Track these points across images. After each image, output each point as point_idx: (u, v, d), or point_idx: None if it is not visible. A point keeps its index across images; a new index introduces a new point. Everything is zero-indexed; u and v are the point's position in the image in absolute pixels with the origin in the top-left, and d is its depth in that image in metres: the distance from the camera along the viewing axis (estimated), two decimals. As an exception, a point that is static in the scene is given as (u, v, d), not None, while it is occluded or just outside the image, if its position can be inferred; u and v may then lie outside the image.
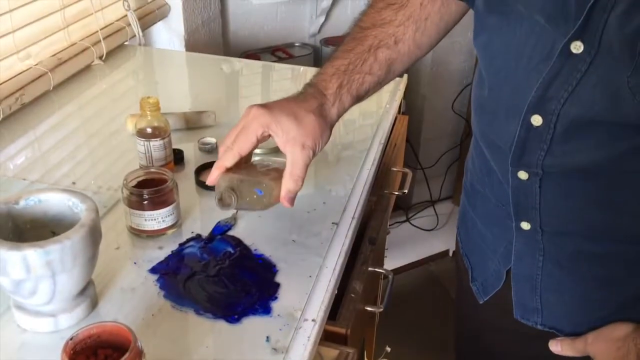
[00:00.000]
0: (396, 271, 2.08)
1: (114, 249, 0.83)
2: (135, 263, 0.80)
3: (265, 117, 0.73)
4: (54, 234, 0.73)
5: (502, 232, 0.78)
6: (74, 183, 0.96)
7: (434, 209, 2.40)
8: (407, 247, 2.24)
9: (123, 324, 0.61)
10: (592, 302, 0.74)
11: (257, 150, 1.05)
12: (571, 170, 0.67)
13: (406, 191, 1.18)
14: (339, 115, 0.79)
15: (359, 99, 0.81)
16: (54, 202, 0.72)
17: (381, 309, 0.91)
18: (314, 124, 0.75)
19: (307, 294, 0.76)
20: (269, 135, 0.75)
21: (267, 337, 0.70)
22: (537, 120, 0.65)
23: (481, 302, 0.85)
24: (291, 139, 0.74)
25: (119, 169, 1.00)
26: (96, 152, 1.06)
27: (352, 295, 0.84)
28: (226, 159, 0.75)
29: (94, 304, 0.73)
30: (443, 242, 2.31)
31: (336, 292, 0.78)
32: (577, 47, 0.60)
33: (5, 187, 0.96)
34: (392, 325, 1.69)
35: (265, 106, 0.75)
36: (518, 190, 0.71)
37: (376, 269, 0.93)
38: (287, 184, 0.74)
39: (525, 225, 0.73)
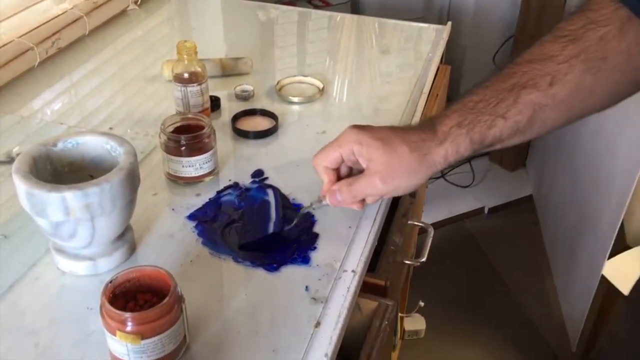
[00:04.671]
0: (430, 227, 2.06)
1: (152, 195, 0.82)
2: (173, 210, 0.79)
3: (353, 135, 0.68)
4: (92, 177, 0.72)
5: None
6: (111, 128, 0.95)
7: (470, 165, 2.35)
8: (441, 204, 2.21)
9: (162, 269, 0.60)
10: None
11: (294, 99, 1.03)
12: None
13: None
14: (447, 159, 0.66)
15: (483, 145, 0.66)
16: (92, 145, 0.71)
17: (419, 263, 0.89)
18: (405, 158, 0.66)
19: (346, 245, 0.74)
20: (355, 158, 0.70)
21: (307, 287, 0.68)
22: None
23: None
24: (372, 165, 0.67)
25: (156, 115, 0.99)
26: (132, 99, 1.04)
27: (392, 247, 0.82)
28: (326, 179, 0.73)
29: (132, 249, 0.73)
30: (478, 199, 2.27)
31: (376, 244, 0.76)
32: None
33: (44, 131, 0.95)
34: (425, 280, 1.67)
35: (360, 127, 0.69)
36: None
37: (415, 222, 0.91)
38: (334, 197, 0.72)
39: None
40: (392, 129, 0.69)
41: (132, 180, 0.67)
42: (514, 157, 2.40)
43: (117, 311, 0.55)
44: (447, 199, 2.25)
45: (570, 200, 1.86)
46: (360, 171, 0.71)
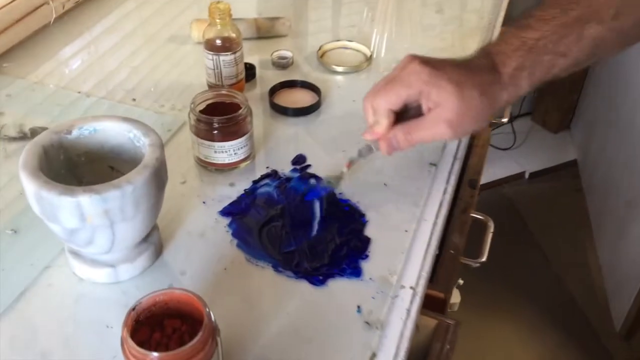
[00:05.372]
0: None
1: (180, 183, 0.72)
2: (204, 202, 0.70)
3: (423, 73, 0.60)
4: (112, 169, 0.63)
5: None
6: (134, 100, 0.85)
7: (512, 126, 2.21)
8: (479, 167, 2.09)
9: (193, 293, 0.50)
10: None
11: (339, 69, 0.91)
12: None
13: (505, 120, 1.02)
14: (508, 102, 0.63)
15: (540, 84, 0.63)
16: (112, 132, 0.61)
17: (478, 264, 0.79)
18: (476, 104, 0.60)
19: (403, 253, 0.64)
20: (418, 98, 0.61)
21: (359, 307, 0.59)
22: None
23: None
24: (441, 110, 0.60)
25: (184, 85, 0.88)
26: (157, 64, 0.93)
27: (452, 251, 0.72)
28: (378, 123, 0.64)
29: (157, 252, 0.63)
30: (519, 163, 2.14)
31: (437, 252, 0.66)
32: None
33: (58, 99, 0.85)
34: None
35: (428, 63, 0.61)
36: None
37: (477, 215, 0.81)
38: (390, 145, 0.64)
39: None
40: (458, 66, 0.62)
41: (159, 179, 0.57)
42: (558, 118, 2.25)
43: (141, 350, 0.46)
44: (485, 162, 2.13)
45: (621, 167, 1.72)
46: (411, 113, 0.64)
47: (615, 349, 1.59)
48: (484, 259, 0.80)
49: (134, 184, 0.54)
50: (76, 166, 0.61)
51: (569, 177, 2.11)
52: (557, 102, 2.21)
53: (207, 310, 0.50)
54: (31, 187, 0.53)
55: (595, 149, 2.00)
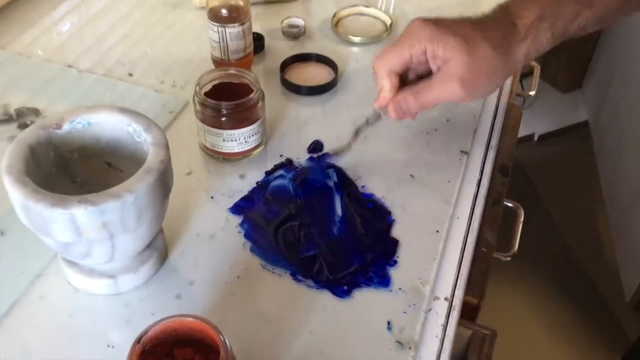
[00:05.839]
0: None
1: (185, 174, 0.65)
2: (212, 198, 0.63)
3: (426, 30, 0.56)
4: (109, 165, 0.56)
5: None
6: (130, 75, 0.77)
7: (521, 84, 2.12)
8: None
9: (208, 322, 0.44)
10: None
11: (356, 39, 0.83)
12: None
13: (533, 93, 0.95)
14: (528, 58, 0.57)
15: (563, 38, 0.58)
16: (109, 125, 0.53)
17: (509, 258, 0.73)
18: (488, 58, 0.55)
19: (434, 259, 0.58)
20: (425, 59, 0.57)
21: (389, 323, 0.53)
22: None
23: None
24: (450, 66, 0.55)
25: (186, 58, 0.80)
26: (156, 34, 0.84)
27: (484, 249, 0.65)
28: (383, 88, 0.60)
29: (162, 259, 0.57)
30: (528, 124, 2.06)
31: (472, 254, 0.60)
32: None
33: (45, 73, 0.77)
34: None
35: (431, 20, 0.57)
36: None
37: (507, 204, 0.74)
38: (399, 108, 0.60)
39: None
40: (467, 22, 0.57)
41: (164, 186, 0.50)
42: (569, 76, 2.16)
43: (150, 393, 0.41)
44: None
45: (636, 129, 1.65)
46: (421, 76, 0.60)
47: (625, 319, 1.56)
48: (515, 249, 0.73)
49: (135, 192, 0.47)
50: (68, 163, 0.54)
51: (580, 139, 2.04)
52: (568, 57, 2.11)
53: (222, 339, 0.44)
54: (17, 197, 0.46)
55: (608, 109, 1.92)
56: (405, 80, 0.61)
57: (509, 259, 0.72)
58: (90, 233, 0.47)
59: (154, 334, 0.44)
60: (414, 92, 0.59)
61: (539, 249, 1.73)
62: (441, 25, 0.56)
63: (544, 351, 1.52)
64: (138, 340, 0.43)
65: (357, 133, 0.64)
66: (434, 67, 0.58)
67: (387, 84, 0.59)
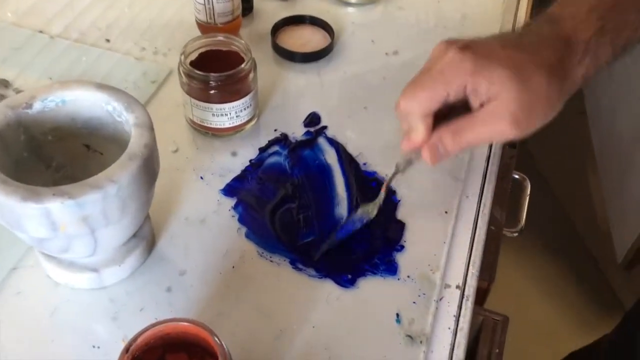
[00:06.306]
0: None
1: (172, 152, 0.60)
2: (201, 178, 0.58)
3: (465, 63, 0.45)
4: (87, 147, 0.50)
5: None
6: (108, 41, 0.70)
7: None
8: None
9: (202, 325, 0.40)
10: None
11: (352, 0, 0.77)
12: None
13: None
14: (586, 80, 0.48)
15: (624, 52, 0.49)
16: (86, 103, 0.48)
17: (516, 234, 0.70)
18: (543, 90, 0.45)
19: (444, 242, 0.54)
20: (464, 94, 0.46)
21: (397, 315, 0.49)
22: None
23: None
24: (498, 105, 0.45)
25: (168, 21, 0.73)
26: (133, -9, 0.78)
27: (492, 227, 0.62)
28: (415, 130, 0.48)
29: (149, 248, 0.52)
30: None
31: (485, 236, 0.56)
32: None
33: (14, 40, 0.70)
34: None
35: (469, 48, 0.46)
36: None
37: (515, 175, 0.70)
38: (436, 152, 0.48)
39: None
40: (511, 43, 0.47)
41: (149, 172, 0.45)
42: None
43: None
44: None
45: (633, 88, 1.62)
46: (452, 105, 0.48)
47: (615, 280, 1.56)
48: (522, 224, 0.70)
49: (118, 182, 0.41)
50: (41, 146, 0.48)
51: (571, 99, 1.99)
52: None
53: (219, 342, 0.39)
54: (-18, 189, 0.41)
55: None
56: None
57: (516, 234, 0.69)
58: (69, 228, 0.42)
59: (144, 340, 0.40)
60: (452, 132, 0.48)
61: (531, 208, 1.71)
62: (481, 52, 0.46)
63: (536, 310, 1.51)
64: (126, 350, 0.39)
65: (387, 186, 0.54)
66: (474, 103, 0.47)
67: (421, 127, 0.48)
